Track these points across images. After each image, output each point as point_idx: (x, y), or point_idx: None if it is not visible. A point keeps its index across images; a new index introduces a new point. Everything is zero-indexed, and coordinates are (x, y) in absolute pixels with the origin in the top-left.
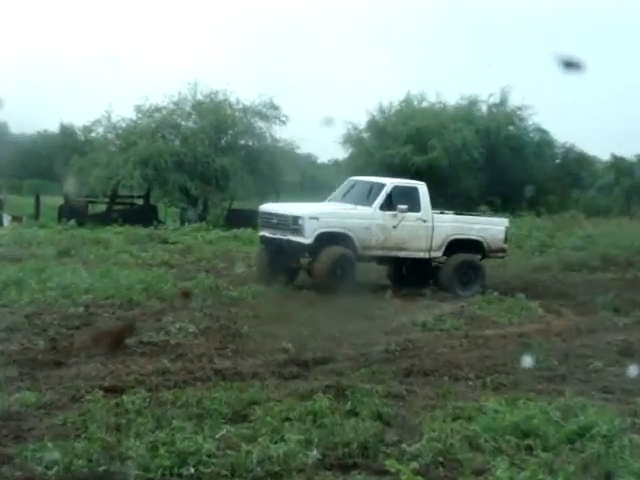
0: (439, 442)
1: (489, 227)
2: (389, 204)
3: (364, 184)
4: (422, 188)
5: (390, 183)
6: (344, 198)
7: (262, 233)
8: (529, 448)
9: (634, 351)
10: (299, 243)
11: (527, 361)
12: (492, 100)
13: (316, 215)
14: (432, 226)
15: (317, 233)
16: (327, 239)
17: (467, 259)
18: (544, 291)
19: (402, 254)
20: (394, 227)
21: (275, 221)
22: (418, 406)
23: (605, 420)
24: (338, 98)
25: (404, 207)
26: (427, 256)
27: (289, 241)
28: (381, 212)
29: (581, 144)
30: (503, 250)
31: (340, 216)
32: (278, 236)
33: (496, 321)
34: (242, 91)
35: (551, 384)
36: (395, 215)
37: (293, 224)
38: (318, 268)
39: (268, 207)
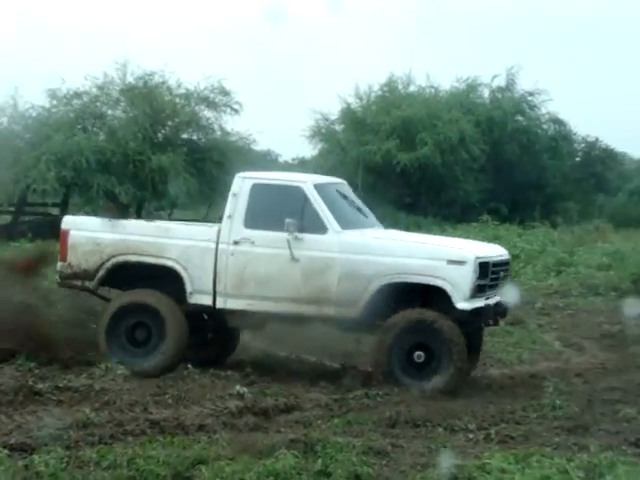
0: None
1: None
2: None
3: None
4: None
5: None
6: (347, 214)
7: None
8: None
9: None
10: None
11: (541, 408)
12: (496, 84)
13: None
14: None
15: None
16: None
17: None
18: (562, 321)
19: None
20: None
21: (500, 274)
22: (405, 464)
23: None
24: (303, 82)
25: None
26: None
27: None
28: None
29: (607, 138)
30: None
31: None
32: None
33: (502, 358)
34: (184, 73)
35: (571, 436)
36: None
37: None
38: None
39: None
